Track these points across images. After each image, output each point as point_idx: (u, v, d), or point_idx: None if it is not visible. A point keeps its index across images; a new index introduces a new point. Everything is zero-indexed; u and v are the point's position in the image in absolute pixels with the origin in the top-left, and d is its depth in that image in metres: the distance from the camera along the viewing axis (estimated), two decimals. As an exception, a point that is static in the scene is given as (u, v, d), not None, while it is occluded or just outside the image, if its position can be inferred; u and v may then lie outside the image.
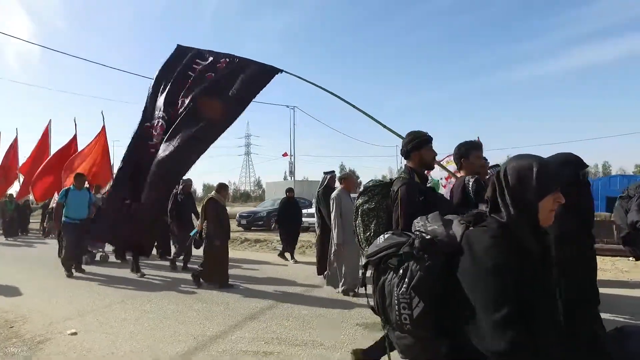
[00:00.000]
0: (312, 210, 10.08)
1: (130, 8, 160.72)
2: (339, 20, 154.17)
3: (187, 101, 3.57)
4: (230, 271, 6.10)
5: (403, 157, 2.70)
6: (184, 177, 7.18)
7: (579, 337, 2.08)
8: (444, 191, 4.70)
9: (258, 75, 3.59)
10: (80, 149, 11.06)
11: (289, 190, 8.97)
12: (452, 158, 7.48)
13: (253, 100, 3.64)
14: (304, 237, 10.11)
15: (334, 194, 5.55)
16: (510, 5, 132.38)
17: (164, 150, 3.41)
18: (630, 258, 6.71)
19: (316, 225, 6.44)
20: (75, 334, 3.85)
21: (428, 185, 2.74)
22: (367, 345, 2.92)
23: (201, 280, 5.94)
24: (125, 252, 7.73)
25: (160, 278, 6.68)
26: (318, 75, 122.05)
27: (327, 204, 5.80)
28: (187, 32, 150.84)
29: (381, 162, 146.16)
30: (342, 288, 5.28)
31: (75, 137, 12.22)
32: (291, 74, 3.76)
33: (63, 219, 6.87)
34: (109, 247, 8.08)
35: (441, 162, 7.35)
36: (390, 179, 2.82)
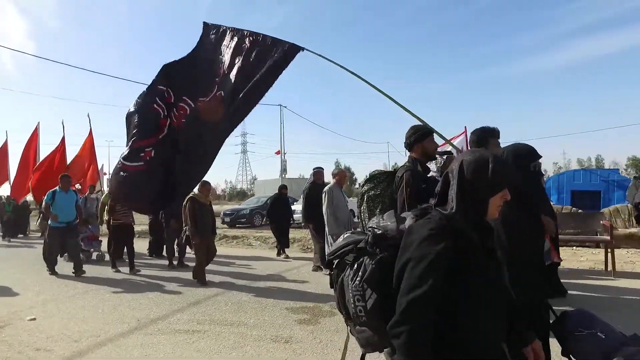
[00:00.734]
0: (295, 206, 10.43)
1: (124, 5, 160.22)
2: (336, 15, 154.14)
3: (215, 91, 3.53)
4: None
5: (407, 149, 2.84)
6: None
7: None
8: None
9: (280, 57, 3.45)
10: (69, 150, 11.59)
11: (283, 187, 9.12)
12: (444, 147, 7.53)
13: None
14: (297, 234, 10.53)
15: (326, 188, 5.84)
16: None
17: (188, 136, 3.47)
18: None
19: (302, 219, 6.70)
20: (34, 319, 4.35)
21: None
22: (285, 325, 3.37)
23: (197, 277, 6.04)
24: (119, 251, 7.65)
25: (144, 275, 6.90)
26: (316, 70, 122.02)
27: (311, 200, 6.18)
28: (183, 28, 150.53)
29: (373, 159, 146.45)
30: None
31: (63, 139, 12.73)
32: (314, 52, 3.57)
33: (49, 222, 6.86)
34: (104, 247, 8.36)
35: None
36: (394, 169, 3.01)
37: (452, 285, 1.23)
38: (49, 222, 6.86)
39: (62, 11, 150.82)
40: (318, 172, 6.75)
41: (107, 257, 8.12)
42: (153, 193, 3.56)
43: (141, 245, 9.00)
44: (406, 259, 1.25)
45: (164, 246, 8.29)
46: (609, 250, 5.69)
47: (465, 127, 8.10)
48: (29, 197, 14.76)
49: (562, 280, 4.66)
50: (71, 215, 6.91)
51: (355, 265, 1.41)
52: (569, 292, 4.51)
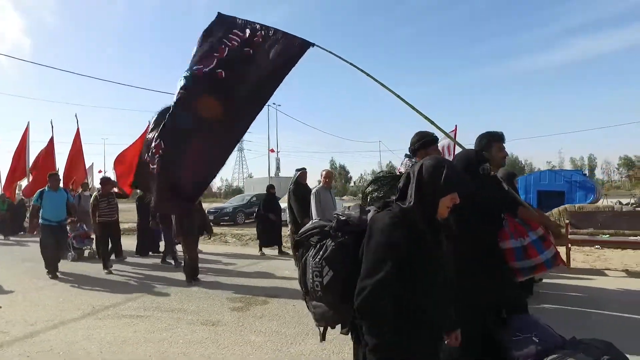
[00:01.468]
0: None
1: (122, 4, 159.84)
2: (335, 13, 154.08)
3: (214, 66, 3.46)
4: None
5: (411, 155, 2.94)
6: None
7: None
8: None
9: (290, 53, 3.45)
10: (59, 150, 11.96)
11: (270, 187, 9.37)
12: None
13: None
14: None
15: (314, 190, 6.04)
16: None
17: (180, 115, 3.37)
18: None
19: (288, 220, 6.85)
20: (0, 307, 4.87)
21: None
22: (218, 312, 3.87)
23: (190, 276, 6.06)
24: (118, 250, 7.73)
25: (120, 271, 7.10)
26: (316, 68, 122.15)
27: (297, 199, 6.39)
28: (181, 26, 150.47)
29: (368, 157, 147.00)
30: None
31: (52, 139, 13.15)
32: (323, 48, 3.55)
33: (40, 220, 6.66)
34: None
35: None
36: (400, 172, 3.11)
37: (408, 265, 1.43)
38: (40, 220, 6.66)
39: (59, 8, 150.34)
40: (302, 173, 6.90)
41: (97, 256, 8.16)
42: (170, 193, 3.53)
43: (130, 243, 9.28)
44: (371, 242, 1.45)
45: (156, 245, 8.65)
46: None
47: (456, 125, 8.14)
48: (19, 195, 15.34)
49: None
50: (62, 214, 6.76)
51: (318, 246, 1.62)
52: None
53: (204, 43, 3.68)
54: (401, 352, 1.43)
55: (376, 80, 3.47)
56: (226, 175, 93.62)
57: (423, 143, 2.80)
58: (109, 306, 4.82)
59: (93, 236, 8.52)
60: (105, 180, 7.52)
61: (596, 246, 7.72)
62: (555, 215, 8.98)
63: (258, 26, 3.60)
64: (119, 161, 10.61)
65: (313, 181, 7.78)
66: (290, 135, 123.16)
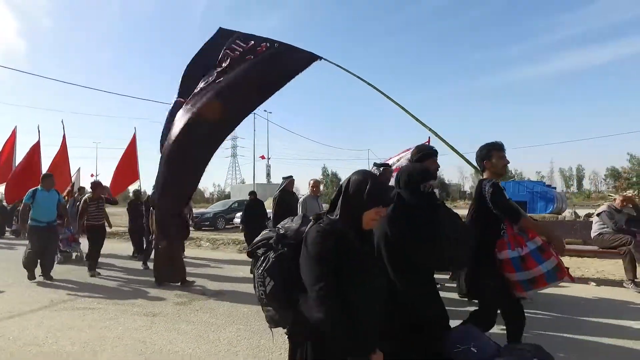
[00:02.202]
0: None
1: (118, 7, 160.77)
2: (330, 20, 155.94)
3: (216, 75, 3.69)
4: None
5: (378, 165, 3.25)
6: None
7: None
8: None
9: (295, 62, 3.51)
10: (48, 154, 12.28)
11: (251, 193, 9.79)
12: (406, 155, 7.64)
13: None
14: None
15: (301, 199, 6.34)
16: (493, 10, 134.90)
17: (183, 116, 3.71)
18: None
19: (271, 225, 7.10)
20: (-33, 300, 5.34)
21: None
22: (162, 305, 4.38)
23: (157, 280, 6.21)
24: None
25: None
26: (311, 75, 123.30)
27: (284, 206, 6.57)
28: (177, 31, 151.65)
29: (359, 165, 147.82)
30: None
31: (38, 142, 13.53)
32: (331, 62, 3.58)
33: (30, 222, 6.53)
34: (84, 248, 8.63)
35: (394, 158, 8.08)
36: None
37: (339, 275, 1.53)
38: (29, 221, 6.55)
39: (54, 10, 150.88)
40: (290, 181, 7.13)
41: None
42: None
43: (123, 247, 9.73)
44: (305, 254, 1.57)
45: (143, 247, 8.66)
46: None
47: (429, 137, 8.40)
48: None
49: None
50: (52, 214, 6.68)
51: (262, 257, 1.75)
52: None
53: (205, 57, 3.90)
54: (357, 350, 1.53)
55: (383, 93, 3.54)
56: (219, 180, 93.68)
57: (420, 156, 2.95)
58: (66, 300, 5.31)
59: (82, 240, 8.57)
60: (96, 184, 7.65)
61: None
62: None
63: (262, 39, 3.72)
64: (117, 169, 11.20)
65: (306, 188, 7.72)
66: (283, 143, 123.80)
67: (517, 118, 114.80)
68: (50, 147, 12.69)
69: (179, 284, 6.06)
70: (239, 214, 15.83)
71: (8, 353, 3.54)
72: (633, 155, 58.69)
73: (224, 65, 3.73)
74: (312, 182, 6.47)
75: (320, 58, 3.49)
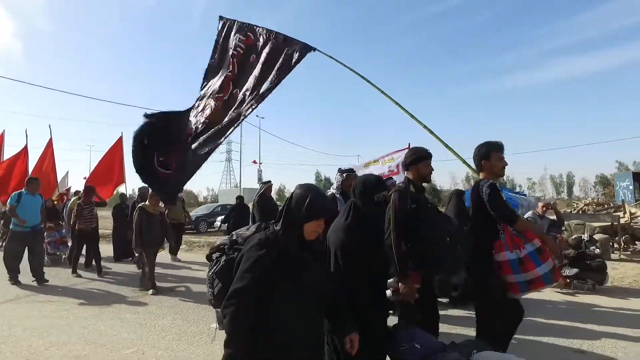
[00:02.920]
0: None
1: (116, 7, 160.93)
2: (330, 22, 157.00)
3: (232, 88, 3.66)
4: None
5: (405, 170, 2.97)
6: (141, 186, 7.80)
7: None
8: None
9: (291, 56, 3.49)
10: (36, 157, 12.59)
11: (238, 198, 10.27)
12: (390, 157, 7.88)
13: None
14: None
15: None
16: (489, 17, 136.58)
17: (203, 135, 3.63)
18: None
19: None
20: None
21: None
22: (114, 301, 4.87)
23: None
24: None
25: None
26: (311, 77, 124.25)
27: (261, 210, 6.83)
28: (176, 32, 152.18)
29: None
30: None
31: (26, 147, 13.84)
32: (325, 53, 3.61)
33: (11, 226, 6.56)
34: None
35: (378, 160, 8.19)
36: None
37: (269, 284, 1.58)
38: (11, 225, 6.58)
39: (51, 11, 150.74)
40: (268, 186, 7.45)
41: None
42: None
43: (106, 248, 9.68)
44: (240, 257, 1.66)
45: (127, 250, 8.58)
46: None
47: (409, 143, 8.24)
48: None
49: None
50: (36, 218, 6.65)
51: (215, 261, 1.87)
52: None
53: (217, 59, 3.91)
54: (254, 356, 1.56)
55: (378, 89, 3.57)
56: (212, 184, 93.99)
57: (414, 159, 2.82)
58: (30, 295, 5.77)
59: (70, 243, 8.48)
60: (88, 189, 7.88)
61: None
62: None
63: (260, 29, 3.68)
64: (98, 171, 11.41)
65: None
66: (275, 147, 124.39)
67: (510, 124, 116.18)
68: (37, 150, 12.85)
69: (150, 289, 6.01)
70: (219, 218, 16.33)
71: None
72: (622, 162, 59.78)
73: (230, 69, 3.76)
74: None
75: (314, 49, 3.51)
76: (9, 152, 14.46)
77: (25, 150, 13.31)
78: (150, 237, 6.08)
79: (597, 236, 9.78)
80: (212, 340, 2.20)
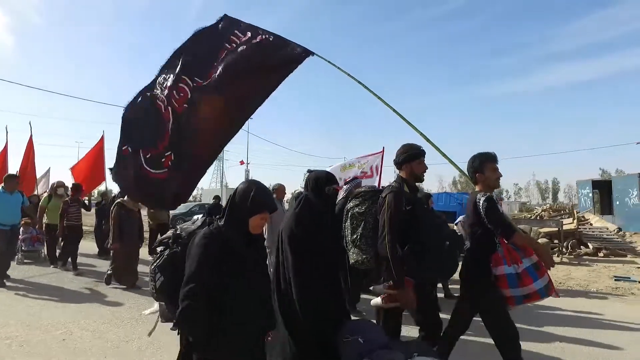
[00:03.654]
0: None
1: (111, 5, 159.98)
2: (328, 22, 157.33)
3: (219, 71, 3.37)
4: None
5: (396, 167, 2.81)
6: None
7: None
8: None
9: (287, 60, 3.38)
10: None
11: (215, 197, 11.29)
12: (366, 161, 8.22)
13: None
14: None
15: None
16: (485, 22, 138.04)
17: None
18: None
19: None
20: None
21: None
22: (76, 297, 5.54)
23: (112, 280, 6.37)
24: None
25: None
26: (308, 77, 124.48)
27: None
28: (171, 31, 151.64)
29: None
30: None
31: (6, 145, 14.12)
32: (323, 58, 3.56)
33: None
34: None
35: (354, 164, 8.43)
36: (382, 187, 3.18)
37: (219, 276, 1.60)
38: None
39: (45, 7, 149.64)
40: (278, 189, 7.35)
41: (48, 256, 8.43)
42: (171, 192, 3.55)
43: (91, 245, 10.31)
44: (189, 254, 1.67)
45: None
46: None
47: (384, 147, 8.48)
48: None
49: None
50: (16, 217, 6.67)
51: (159, 254, 1.88)
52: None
53: (204, 44, 3.61)
54: (213, 351, 1.62)
55: (373, 93, 3.28)
56: (202, 184, 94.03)
57: (407, 156, 2.72)
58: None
59: (61, 240, 8.42)
60: (76, 187, 8.27)
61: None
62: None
63: (260, 30, 3.59)
64: (79, 169, 11.80)
65: (287, 194, 7.98)
66: (264, 147, 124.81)
67: (499, 130, 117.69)
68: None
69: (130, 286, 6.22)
70: (195, 217, 16.85)
71: None
72: (605, 170, 61.44)
73: (221, 57, 3.52)
74: (277, 186, 6.53)
75: (313, 54, 3.37)
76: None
77: (5, 148, 13.62)
78: (128, 234, 6.19)
79: (540, 240, 10.72)
80: (150, 333, 2.28)
